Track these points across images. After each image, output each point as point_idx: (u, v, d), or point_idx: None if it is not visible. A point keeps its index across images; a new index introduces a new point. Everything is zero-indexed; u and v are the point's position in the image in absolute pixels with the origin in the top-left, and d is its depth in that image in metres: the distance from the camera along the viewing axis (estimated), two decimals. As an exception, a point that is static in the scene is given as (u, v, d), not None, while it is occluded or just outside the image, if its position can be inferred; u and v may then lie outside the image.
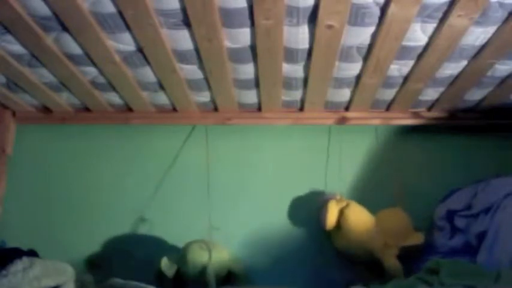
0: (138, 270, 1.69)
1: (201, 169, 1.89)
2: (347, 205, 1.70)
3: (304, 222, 1.86)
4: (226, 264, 1.63)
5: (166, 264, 1.59)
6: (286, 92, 1.72)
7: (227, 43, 1.38)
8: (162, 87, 1.69)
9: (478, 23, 1.26)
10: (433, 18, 1.25)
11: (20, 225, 1.88)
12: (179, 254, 1.63)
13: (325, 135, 1.92)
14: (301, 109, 1.86)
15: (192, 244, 1.63)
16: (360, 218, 1.69)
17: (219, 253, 1.62)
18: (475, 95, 1.71)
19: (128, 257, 1.84)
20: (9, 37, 1.39)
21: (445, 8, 1.21)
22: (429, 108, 1.85)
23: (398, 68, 1.53)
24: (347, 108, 1.85)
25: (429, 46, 1.36)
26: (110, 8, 1.24)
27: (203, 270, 1.56)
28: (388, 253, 1.64)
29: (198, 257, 1.59)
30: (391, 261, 1.63)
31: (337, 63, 1.49)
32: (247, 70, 1.55)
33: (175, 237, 1.82)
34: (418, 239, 1.68)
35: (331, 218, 1.67)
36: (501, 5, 1.19)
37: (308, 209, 1.86)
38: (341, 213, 1.69)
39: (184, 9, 1.23)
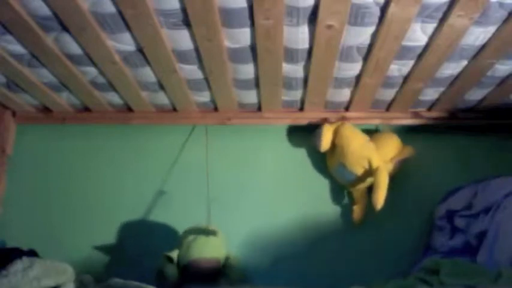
0: (138, 270, 1.69)
1: (201, 169, 1.88)
2: (341, 124, 1.75)
3: (304, 222, 1.86)
4: (224, 249, 1.65)
5: (166, 256, 1.60)
6: (286, 92, 1.72)
7: (227, 43, 1.38)
8: (162, 87, 1.69)
9: (478, 23, 1.26)
10: (433, 18, 1.25)
11: (20, 225, 1.88)
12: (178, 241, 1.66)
13: (325, 135, 1.92)
14: (301, 109, 1.86)
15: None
16: (354, 132, 1.75)
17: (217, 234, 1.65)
18: (475, 95, 1.71)
19: (128, 257, 1.84)
20: (9, 37, 1.39)
21: (445, 8, 1.21)
22: (429, 108, 1.85)
23: (398, 68, 1.53)
24: (347, 108, 1.85)
25: (429, 46, 1.37)
26: (110, 8, 1.24)
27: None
28: (384, 167, 1.67)
29: (196, 227, 1.65)
30: (383, 174, 1.65)
31: (337, 63, 1.49)
32: (247, 70, 1.55)
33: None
34: (409, 151, 1.76)
35: (327, 137, 1.72)
36: (501, 5, 1.19)
37: (308, 209, 1.87)
38: (335, 133, 1.74)
39: (184, 9, 1.23)
